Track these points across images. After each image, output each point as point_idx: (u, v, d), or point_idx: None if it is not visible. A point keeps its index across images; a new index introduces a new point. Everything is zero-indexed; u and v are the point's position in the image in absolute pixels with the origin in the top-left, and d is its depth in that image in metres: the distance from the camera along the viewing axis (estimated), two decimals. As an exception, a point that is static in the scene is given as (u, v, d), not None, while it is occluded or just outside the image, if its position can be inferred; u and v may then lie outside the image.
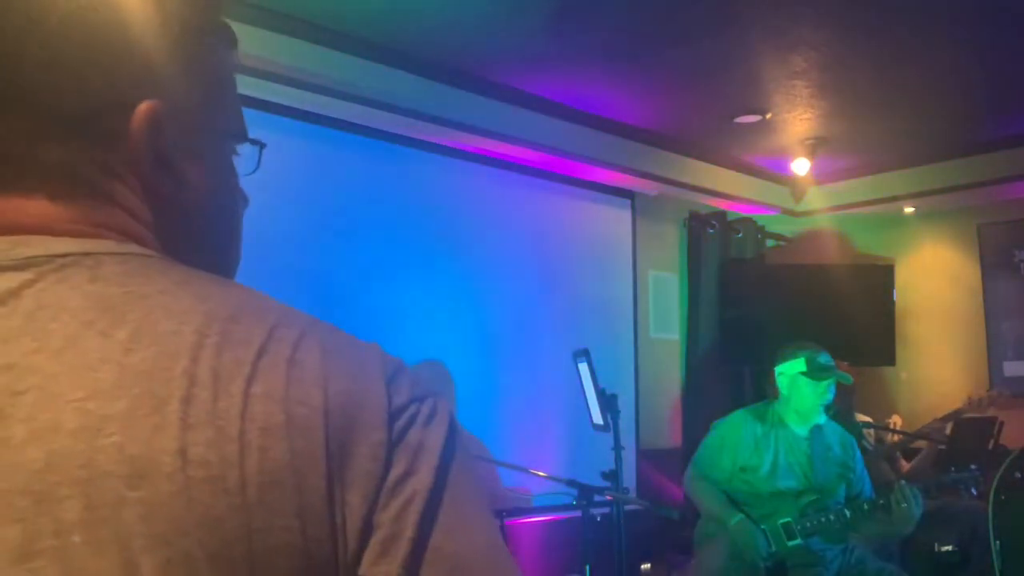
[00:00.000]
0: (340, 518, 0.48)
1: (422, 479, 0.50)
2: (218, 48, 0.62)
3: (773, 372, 3.23)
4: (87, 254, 0.52)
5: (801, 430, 3.16)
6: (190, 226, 0.60)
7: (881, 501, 3.01)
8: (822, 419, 3.16)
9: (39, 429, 0.46)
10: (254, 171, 0.68)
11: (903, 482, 3.02)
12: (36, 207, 0.54)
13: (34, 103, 0.53)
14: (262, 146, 0.67)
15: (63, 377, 0.47)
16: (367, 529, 0.49)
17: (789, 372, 3.14)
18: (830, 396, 3.12)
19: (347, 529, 0.49)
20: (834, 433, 3.23)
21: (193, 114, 0.59)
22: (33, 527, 0.44)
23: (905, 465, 4.22)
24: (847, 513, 3.04)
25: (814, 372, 3.08)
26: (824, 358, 3.13)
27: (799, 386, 3.11)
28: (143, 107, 0.55)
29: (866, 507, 3.04)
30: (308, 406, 0.49)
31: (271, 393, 0.48)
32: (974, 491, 3.12)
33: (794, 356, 3.14)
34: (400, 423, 0.51)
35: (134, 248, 0.54)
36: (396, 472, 0.50)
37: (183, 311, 0.50)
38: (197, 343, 0.49)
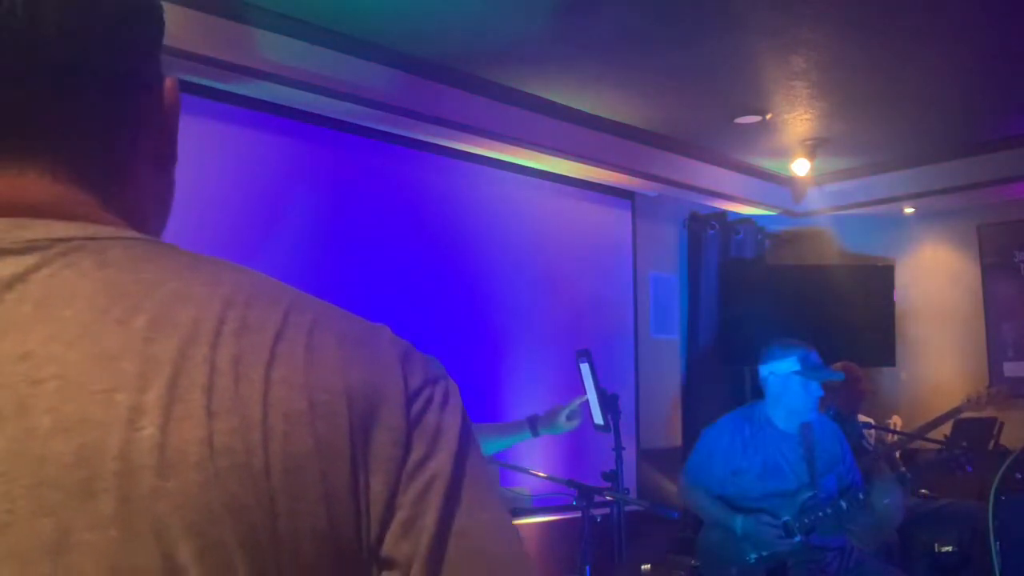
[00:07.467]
0: (364, 503, 0.49)
1: (441, 463, 0.52)
2: None
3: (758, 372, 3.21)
4: (91, 238, 0.51)
5: (790, 428, 3.15)
6: (166, 198, 0.60)
7: (861, 497, 3.02)
8: (812, 416, 3.15)
9: (65, 420, 0.45)
10: None
11: (877, 480, 3.02)
12: (42, 186, 0.52)
13: (63, 83, 0.51)
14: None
15: (84, 366, 0.46)
16: (389, 512, 0.50)
17: (780, 372, 3.10)
18: (821, 393, 3.12)
19: (371, 514, 0.49)
20: (821, 426, 3.21)
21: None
22: (66, 521, 0.44)
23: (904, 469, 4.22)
24: (843, 504, 3.03)
25: (808, 371, 3.06)
26: (815, 356, 3.11)
27: (792, 385, 3.08)
28: (170, 82, 0.54)
29: (861, 497, 3.04)
30: (330, 392, 0.49)
31: (291, 379, 0.49)
32: (969, 468, 3.12)
33: (784, 356, 3.10)
34: (417, 406, 0.52)
35: (133, 232, 0.53)
36: (415, 456, 0.51)
37: (199, 297, 0.50)
38: (216, 330, 0.48)
